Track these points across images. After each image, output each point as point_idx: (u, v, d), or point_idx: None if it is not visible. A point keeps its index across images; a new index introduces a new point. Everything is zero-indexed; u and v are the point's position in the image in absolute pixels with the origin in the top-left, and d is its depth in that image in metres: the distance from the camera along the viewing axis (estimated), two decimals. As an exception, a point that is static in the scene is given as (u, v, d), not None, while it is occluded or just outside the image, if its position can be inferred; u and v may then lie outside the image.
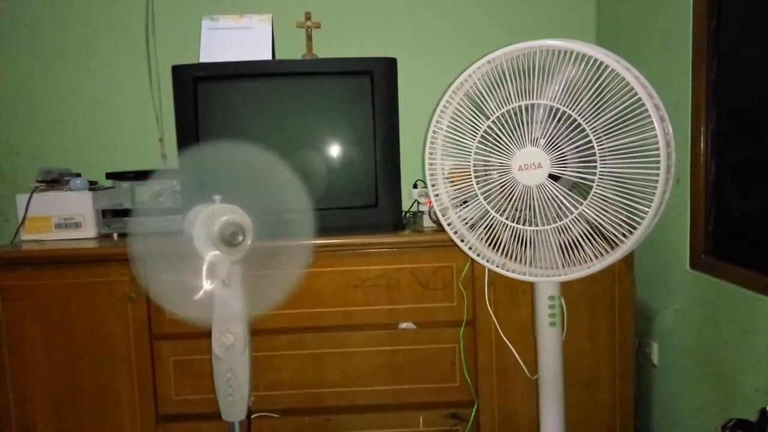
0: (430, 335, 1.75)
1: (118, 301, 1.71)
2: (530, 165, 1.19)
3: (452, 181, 1.36)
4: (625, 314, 1.70)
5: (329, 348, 1.76)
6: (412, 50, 2.18)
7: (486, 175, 1.26)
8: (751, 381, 1.39)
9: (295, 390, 1.75)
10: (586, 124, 1.13)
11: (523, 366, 1.64)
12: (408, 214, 1.97)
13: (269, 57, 1.85)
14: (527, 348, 1.64)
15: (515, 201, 1.22)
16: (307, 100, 1.77)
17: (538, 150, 1.18)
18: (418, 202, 1.84)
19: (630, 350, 1.73)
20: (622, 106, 1.12)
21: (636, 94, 1.12)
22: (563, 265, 1.24)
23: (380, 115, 1.74)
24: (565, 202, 1.18)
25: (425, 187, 1.81)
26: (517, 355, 1.64)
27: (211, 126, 1.76)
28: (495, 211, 1.25)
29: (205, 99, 1.76)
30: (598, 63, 1.13)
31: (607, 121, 1.13)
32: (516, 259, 1.28)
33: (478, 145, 1.26)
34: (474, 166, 1.26)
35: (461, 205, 1.35)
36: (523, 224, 1.24)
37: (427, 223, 1.79)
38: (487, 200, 1.25)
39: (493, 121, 1.22)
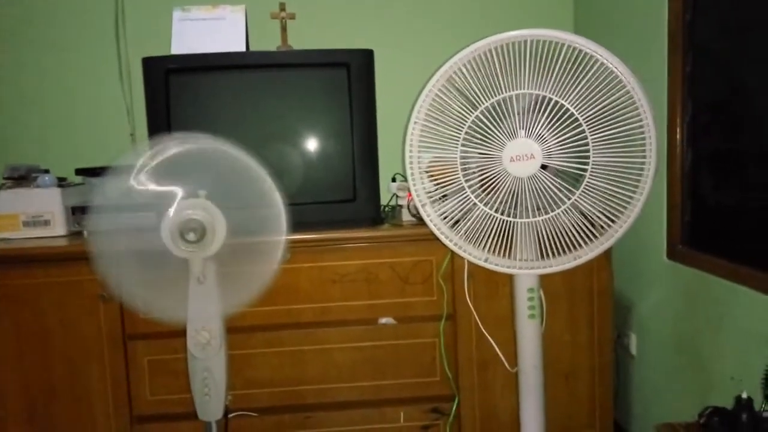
0: (410, 330, 1.74)
1: (90, 300, 1.66)
2: (522, 156, 1.17)
3: (432, 175, 1.33)
4: (603, 306, 1.71)
5: (308, 345, 1.73)
6: (389, 42, 2.16)
7: (471, 168, 1.24)
8: (727, 369, 1.41)
9: (274, 388, 1.73)
10: (579, 114, 1.13)
11: (503, 358, 1.63)
12: (386, 208, 1.95)
13: (243, 49, 1.81)
14: (507, 341, 1.64)
15: (502, 194, 1.20)
16: (283, 93, 1.74)
17: (529, 141, 1.17)
18: (397, 196, 1.82)
19: (609, 342, 1.73)
20: (612, 97, 1.12)
21: (625, 86, 1.12)
22: (546, 256, 1.23)
23: (357, 108, 1.71)
24: (558, 192, 1.17)
25: (404, 180, 1.80)
26: (497, 348, 1.64)
27: (183, 120, 1.71)
28: (483, 205, 1.23)
29: (178, 92, 1.71)
30: (588, 56, 1.12)
31: (598, 112, 1.13)
32: (497, 252, 1.27)
33: (465, 136, 1.23)
34: (461, 159, 1.24)
35: (440, 199, 1.33)
36: (510, 217, 1.22)
37: (406, 217, 1.77)
38: (473, 194, 1.23)
39: (481, 112, 1.20)
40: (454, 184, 1.27)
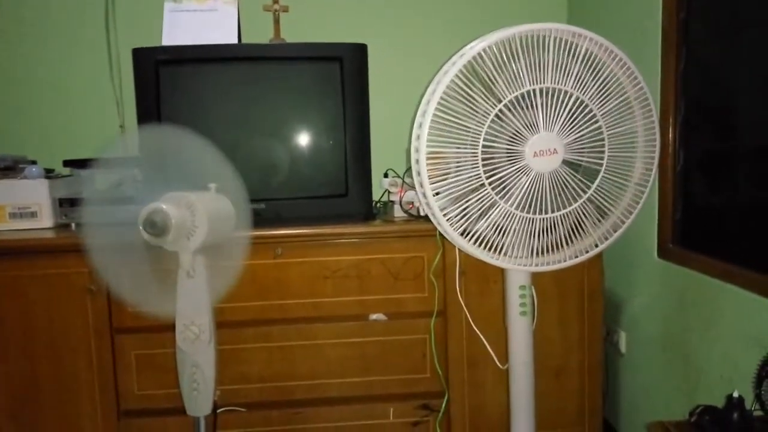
0: (401, 326, 1.73)
1: (77, 294, 1.64)
2: (546, 151, 1.14)
3: (437, 172, 1.26)
4: (594, 304, 1.71)
5: (298, 340, 1.72)
6: (383, 36, 2.15)
7: (493, 163, 1.17)
8: (717, 368, 1.41)
9: (264, 383, 1.72)
10: (598, 110, 1.12)
11: (494, 355, 1.63)
12: (378, 204, 1.94)
13: (235, 41, 1.79)
14: (498, 338, 1.64)
15: (522, 190, 1.16)
16: (275, 87, 1.72)
17: (552, 135, 1.14)
18: (389, 192, 1.81)
19: (599, 340, 1.74)
20: (624, 95, 1.12)
21: (640, 82, 1.12)
22: (544, 252, 1.21)
23: (350, 103, 1.70)
24: (575, 187, 1.16)
25: (396, 176, 1.79)
26: (487, 345, 1.63)
27: (173, 112, 1.69)
28: (504, 202, 1.16)
29: (168, 84, 1.69)
30: (609, 51, 1.11)
31: (612, 109, 1.13)
32: (494, 249, 1.23)
33: (488, 130, 1.15)
34: (483, 153, 1.15)
35: (435, 195, 1.28)
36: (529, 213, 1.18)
37: (397, 213, 1.77)
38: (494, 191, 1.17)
39: (505, 105, 1.14)
40: (472, 182, 1.18)
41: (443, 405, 1.73)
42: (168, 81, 1.69)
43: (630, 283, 1.80)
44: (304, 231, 1.68)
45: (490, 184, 1.15)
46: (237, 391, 1.70)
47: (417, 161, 1.13)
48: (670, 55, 1.55)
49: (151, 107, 1.69)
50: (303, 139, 1.75)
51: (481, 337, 1.66)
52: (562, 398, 1.74)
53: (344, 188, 1.73)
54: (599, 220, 1.17)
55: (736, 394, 1.00)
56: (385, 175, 1.86)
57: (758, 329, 1.26)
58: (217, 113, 1.73)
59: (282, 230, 1.68)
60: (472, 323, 1.67)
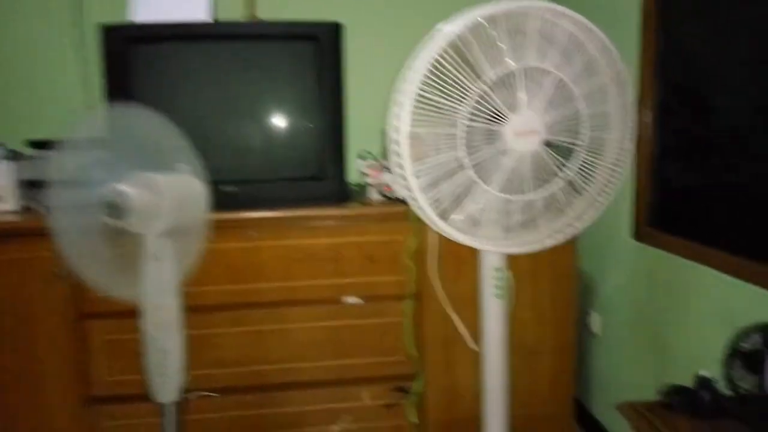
0: (376, 309, 1.73)
1: (43, 278, 1.59)
2: (527, 131, 1.11)
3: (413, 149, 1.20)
4: (567, 285, 1.72)
5: (272, 324, 1.70)
6: (359, 15, 2.08)
7: (473, 144, 1.12)
8: (689, 348, 1.43)
9: (237, 368, 1.70)
10: (578, 90, 1.10)
11: (465, 335, 1.61)
12: (354, 186, 1.92)
13: (207, 17, 1.74)
14: (473, 320, 1.63)
15: (502, 172, 1.12)
16: (249, 66, 1.68)
17: (534, 115, 1.11)
18: (365, 174, 1.79)
19: (572, 321, 1.75)
20: (603, 76, 1.10)
21: (619, 64, 1.10)
22: (521, 232, 1.19)
23: (326, 83, 1.66)
24: (553, 167, 1.14)
25: (373, 158, 1.76)
26: (459, 326, 1.62)
27: (143, 92, 1.64)
28: (485, 184, 1.12)
29: (137, 63, 1.64)
30: (589, 31, 1.09)
31: (592, 89, 1.11)
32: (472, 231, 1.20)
33: (472, 109, 1.08)
34: (465, 133, 1.09)
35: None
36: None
37: (373, 195, 1.75)
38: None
39: (487, 83, 1.08)
40: (452, 163, 1.13)
41: (417, 387, 1.73)
42: (137, 59, 1.64)
43: (604, 265, 1.81)
44: (278, 214, 1.65)
45: (472, 165, 1.12)
46: (210, 376, 1.68)
47: (397, 142, 1.10)
48: (648, 36, 1.55)
49: (119, 87, 1.63)
50: (277, 121, 1.71)
51: (456, 318, 1.65)
52: (534, 378, 1.75)
53: (319, 170, 1.70)
54: (574, 199, 1.16)
55: (705, 373, 1.01)
56: (361, 157, 1.84)
57: (729, 309, 1.27)
58: (190, 94, 1.69)
59: (256, 213, 1.65)
60: (447, 305, 1.66)
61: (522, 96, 1.08)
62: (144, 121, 1.12)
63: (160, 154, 1.11)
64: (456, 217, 1.13)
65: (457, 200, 1.13)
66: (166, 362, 1.16)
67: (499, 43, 1.05)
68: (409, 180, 1.09)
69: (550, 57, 1.07)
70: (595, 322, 1.84)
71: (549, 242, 1.19)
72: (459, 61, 1.07)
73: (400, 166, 1.09)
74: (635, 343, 1.67)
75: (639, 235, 1.60)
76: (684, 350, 1.45)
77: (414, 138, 1.07)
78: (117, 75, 1.64)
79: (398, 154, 1.08)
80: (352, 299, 1.72)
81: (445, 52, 1.05)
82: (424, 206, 1.11)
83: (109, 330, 1.64)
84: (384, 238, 1.69)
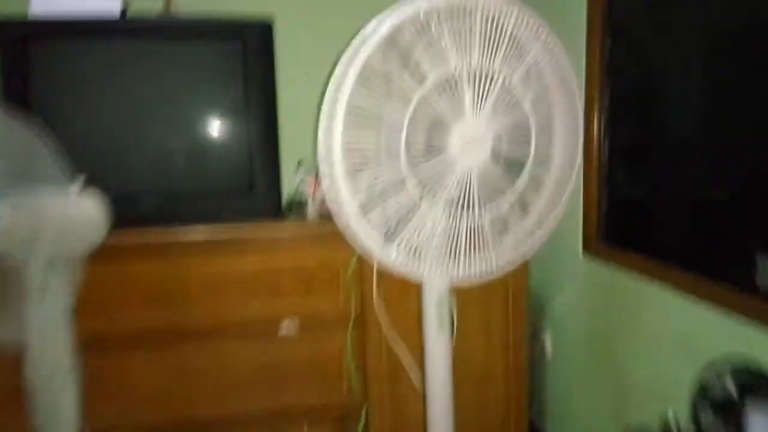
0: (315, 336, 1.58)
1: None
2: (474, 142, 0.98)
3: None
4: (518, 305, 1.63)
5: (198, 356, 1.52)
6: (291, 12, 1.90)
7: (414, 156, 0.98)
8: (643, 372, 1.36)
9: (160, 405, 1.51)
10: (524, 95, 0.98)
11: (412, 370, 1.45)
12: (292, 199, 1.77)
13: (118, 13, 1.55)
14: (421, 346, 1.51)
15: (449, 189, 0.98)
16: (168, 67, 1.51)
17: (481, 123, 0.98)
18: (302, 185, 1.64)
19: (523, 343, 1.65)
20: (550, 80, 0.99)
21: (566, 67, 1.00)
22: (468, 256, 1.06)
23: (254, 86, 1.51)
24: (500, 183, 1.02)
25: (313, 168, 1.61)
26: (406, 358, 1.47)
27: (45, 95, 1.45)
28: (428, 204, 0.98)
29: (37, 63, 1.45)
30: (536, 31, 0.98)
31: (539, 95, 1.00)
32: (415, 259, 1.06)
33: (413, 117, 0.95)
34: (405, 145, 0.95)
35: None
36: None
37: (312, 210, 1.60)
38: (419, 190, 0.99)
39: (430, 86, 0.94)
40: (390, 181, 0.97)
41: (361, 421, 1.59)
42: (38, 59, 1.45)
43: (555, 282, 1.73)
44: (204, 231, 1.48)
45: (415, 183, 0.98)
46: (129, 415, 1.48)
47: (327, 158, 0.96)
48: (594, 39, 1.48)
49: (16, 90, 1.43)
50: (201, 127, 1.55)
51: (398, 347, 1.50)
52: (486, 405, 1.65)
53: (249, 182, 1.54)
54: (522, 219, 1.05)
55: (670, 414, 0.92)
56: (299, 167, 1.69)
57: (689, 334, 1.20)
58: (98, 97, 1.50)
59: (178, 231, 1.47)
60: (390, 332, 1.52)
61: (468, 101, 0.97)
62: (21, 132, 0.93)
63: (41, 170, 0.93)
64: (397, 244, 0.99)
65: (399, 224, 0.99)
66: (57, 414, 0.97)
67: (442, 41, 0.93)
68: (343, 202, 0.94)
69: (497, 57, 0.96)
70: (548, 342, 1.75)
71: (499, 269, 1.08)
72: (398, 61, 0.94)
73: (332, 187, 0.95)
74: (590, 365, 1.59)
75: (590, 250, 1.53)
76: (641, 374, 1.38)
77: (348, 153, 0.93)
78: (13, 77, 1.43)
79: (330, 173, 0.94)
80: (288, 326, 1.56)
81: (382, 51, 0.93)
82: (360, 232, 0.97)
83: None
84: (323, 257, 1.55)
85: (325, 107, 0.95)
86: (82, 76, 1.48)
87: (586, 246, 1.54)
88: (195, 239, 1.48)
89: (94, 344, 1.43)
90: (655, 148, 1.33)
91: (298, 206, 1.65)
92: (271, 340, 1.56)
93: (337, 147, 0.92)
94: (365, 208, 0.96)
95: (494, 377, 1.65)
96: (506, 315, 1.63)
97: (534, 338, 1.80)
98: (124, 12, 1.54)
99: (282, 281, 1.54)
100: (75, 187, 0.96)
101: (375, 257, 1.01)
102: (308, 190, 1.60)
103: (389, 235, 0.99)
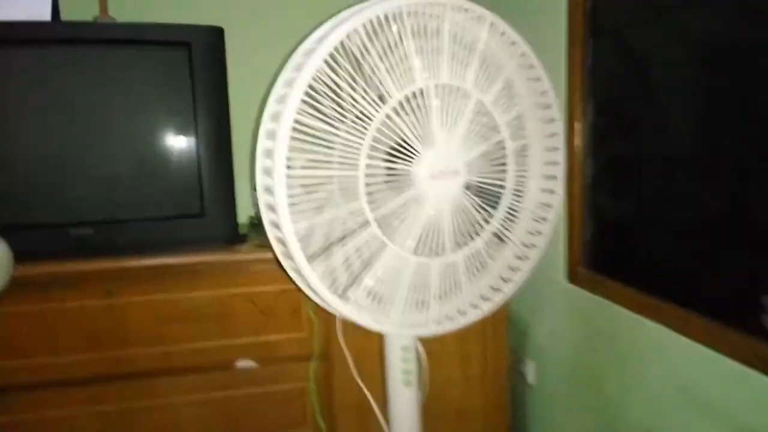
0: (275, 373, 1.43)
1: None
2: (445, 172, 0.84)
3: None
4: (498, 335, 1.50)
5: (142, 400, 1.37)
6: (240, 15, 1.74)
7: (373, 191, 0.83)
8: (637, 414, 1.23)
9: (96, 459, 1.34)
10: (500, 116, 0.85)
11: (379, 413, 1.31)
12: (252, 220, 1.62)
13: (49, 18, 1.39)
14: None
15: (417, 227, 0.85)
16: (104, 78, 1.35)
17: (452, 150, 0.84)
18: (259, 209, 1.48)
19: (503, 376, 1.52)
20: (527, 99, 0.86)
21: (544, 83, 0.87)
22: (440, 300, 0.92)
23: (203, 99, 1.36)
24: (477, 217, 0.88)
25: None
26: (372, 402, 1.32)
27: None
28: (394, 246, 0.83)
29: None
30: (511, 42, 0.84)
31: (514, 116, 0.86)
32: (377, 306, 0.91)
33: (373, 143, 0.80)
34: (366, 178, 0.81)
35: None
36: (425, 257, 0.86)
37: (269, 235, 1.45)
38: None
39: (393, 106, 0.81)
40: (346, 219, 0.83)
41: (327, 466, 1.44)
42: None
43: (538, 308, 1.60)
44: (146, 262, 1.32)
45: (375, 220, 0.83)
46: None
47: (269, 189, 0.81)
48: (575, 48, 1.35)
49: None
50: (142, 144, 1.39)
51: (364, 386, 1.36)
52: (464, 443, 1.51)
53: (199, 205, 1.39)
54: (500, 256, 0.92)
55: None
56: (255, 188, 1.54)
57: (683, 374, 1.08)
58: (27, 111, 1.33)
59: (117, 261, 1.31)
60: (355, 368, 1.38)
61: (435, 123, 0.83)
62: None
63: None
64: (356, 292, 0.84)
65: (358, 269, 0.85)
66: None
67: (405, 50, 0.79)
68: (290, 245, 0.80)
69: (469, 74, 0.82)
70: (531, 371, 1.62)
71: (474, 314, 0.94)
72: (353, 75, 0.80)
73: (276, 226, 0.80)
74: (576, 398, 1.46)
75: (573, 277, 1.40)
76: (631, 416, 1.25)
77: (293, 184, 0.79)
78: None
79: (272, 208, 0.79)
80: (245, 363, 1.41)
81: (335, 61, 0.78)
82: (312, 280, 0.82)
83: None
84: (282, 287, 1.40)
85: (263, 130, 0.80)
86: (9, 88, 1.31)
87: (570, 272, 1.41)
88: (136, 271, 1.32)
89: (25, 390, 1.28)
90: (645, 166, 1.21)
91: (256, 228, 1.50)
92: (225, 380, 1.41)
93: (280, 179, 0.78)
94: (318, 254, 0.82)
95: (473, 412, 1.52)
96: (484, 345, 1.50)
97: (516, 365, 1.68)
98: (54, 17, 1.38)
99: (236, 313, 1.39)
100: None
101: (331, 309, 0.86)
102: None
103: (346, 283, 0.84)
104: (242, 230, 1.52)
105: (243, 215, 1.61)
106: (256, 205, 1.48)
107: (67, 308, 1.32)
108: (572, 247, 1.38)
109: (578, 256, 1.37)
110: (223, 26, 1.37)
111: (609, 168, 1.31)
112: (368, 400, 1.35)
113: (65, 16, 1.44)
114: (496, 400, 1.52)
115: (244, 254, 1.40)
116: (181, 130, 1.38)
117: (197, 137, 1.37)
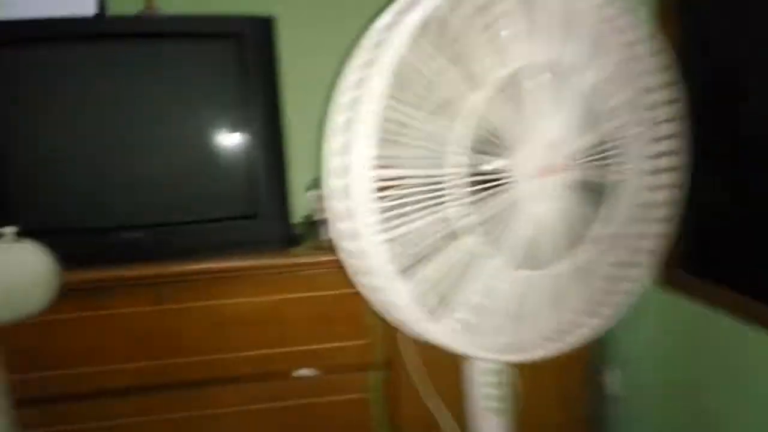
0: (335, 383, 1.35)
1: None
2: (549, 168, 0.70)
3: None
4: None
5: (197, 409, 1.31)
6: (292, 3, 1.61)
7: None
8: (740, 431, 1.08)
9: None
10: (618, 96, 0.71)
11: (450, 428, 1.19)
12: (302, 226, 1.53)
13: (93, 12, 1.34)
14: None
15: (518, 235, 0.72)
16: (150, 74, 1.28)
17: (557, 140, 0.70)
18: (316, 209, 1.40)
19: (583, 389, 1.39)
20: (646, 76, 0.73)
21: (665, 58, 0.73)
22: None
23: (255, 94, 1.28)
24: (585, 220, 0.74)
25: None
26: (443, 416, 1.21)
27: (11, 108, 1.24)
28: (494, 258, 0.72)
29: (4, 71, 1.23)
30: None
31: (633, 95, 0.73)
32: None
33: (462, 135, 0.67)
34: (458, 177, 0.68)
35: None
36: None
37: (328, 235, 1.35)
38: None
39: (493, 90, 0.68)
40: (435, 229, 0.70)
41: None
42: (3, 67, 1.23)
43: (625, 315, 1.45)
44: (198, 266, 1.26)
45: (468, 229, 0.68)
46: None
47: (345, 192, 0.69)
48: (666, 23, 1.20)
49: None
50: (193, 143, 1.32)
51: (431, 400, 1.24)
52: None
53: (253, 206, 1.31)
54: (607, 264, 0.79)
55: None
56: (311, 187, 1.44)
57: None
58: (75, 110, 1.28)
59: (169, 266, 1.25)
60: (420, 383, 1.26)
61: (542, 111, 0.69)
62: None
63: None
64: (449, 313, 0.71)
65: (449, 287, 0.71)
66: None
67: (504, 24, 0.65)
68: (374, 259, 0.67)
69: (577, 46, 0.69)
70: (615, 381, 1.47)
71: (580, 334, 0.81)
72: (442, 57, 0.67)
73: (354, 236, 0.68)
74: (668, 411, 1.31)
75: (666, 280, 1.25)
76: (733, 429, 1.10)
77: (386, 183, 0.66)
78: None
79: (350, 216, 0.67)
80: (303, 372, 1.33)
81: (421, 44, 0.65)
82: (401, 300, 0.69)
83: None
84: (342, 291, 1.30)
85: (337, 122, 0.68)
86: (55, 87, 1.26)
87: (662, 275, 1.26)
88: (190, 276, 1.26)
89: (76, 400, 1.23)
90: (753, 153, 1.05)
91: (312, 227, 1.41)
92: (283, 389, 1.34)
93: (362, 175, 0.65)
94: (409, 270, 0.69)
95: (548, 427, 1.39)
96: (561, 356, 1.36)
97: (599, 376, 1.53)
98: (99, 11, 1.33)
99: (294, 319, 1.31)
100: (8, 236, 0.74)
101: (423, 335, 0.74)
102: (324, 211, 1.35)
103: (437, 303, 0.72)
104: (299, 230, 1.43)
105: (298, 215, 1.52)
106: (314, 205, 1.41)
107: (117, 314, 1.27)
108: (667, 248, 1.23)
109: (672, 256, 1.21)
110: (274, 15, 1.28)
111: (711, 156, 1.15)
112: (438, 416, 1.25)
113: (111, 9, 1.38)
114: (577, 417, 1.38)
115: (299, 257, 1.32)
116: (233, 128, 1.31)
117: (249, 135, 1.29)
